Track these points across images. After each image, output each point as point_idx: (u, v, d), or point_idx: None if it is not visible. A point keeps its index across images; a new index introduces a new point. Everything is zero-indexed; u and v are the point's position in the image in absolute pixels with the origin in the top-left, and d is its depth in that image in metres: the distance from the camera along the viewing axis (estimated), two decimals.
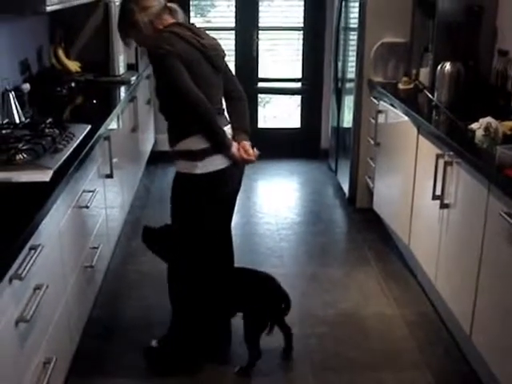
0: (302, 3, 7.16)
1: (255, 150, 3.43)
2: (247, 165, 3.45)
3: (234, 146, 3.34)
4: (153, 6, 3.33)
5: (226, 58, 3.56)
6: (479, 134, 3.54)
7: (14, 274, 2.31)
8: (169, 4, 3.41)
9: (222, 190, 3.41)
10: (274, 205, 6.04)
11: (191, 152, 3.29)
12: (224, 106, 3.52)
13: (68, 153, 3.35)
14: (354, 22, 5.71)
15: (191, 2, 7.16)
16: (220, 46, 3.48)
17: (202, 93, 3.21)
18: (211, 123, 3.26)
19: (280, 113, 8.04)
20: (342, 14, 6.13)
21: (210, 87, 3.32)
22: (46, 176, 2.98)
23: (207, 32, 3.46)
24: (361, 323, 4.03)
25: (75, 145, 3.51)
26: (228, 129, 3.42)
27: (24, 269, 2.36)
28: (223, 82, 3.49)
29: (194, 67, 3.23)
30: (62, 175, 3.05)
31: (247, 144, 3.42)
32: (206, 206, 3.39)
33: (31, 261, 2.44)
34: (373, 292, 4.40)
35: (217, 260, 3.61)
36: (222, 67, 3.47)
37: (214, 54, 3.37)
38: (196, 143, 3.28)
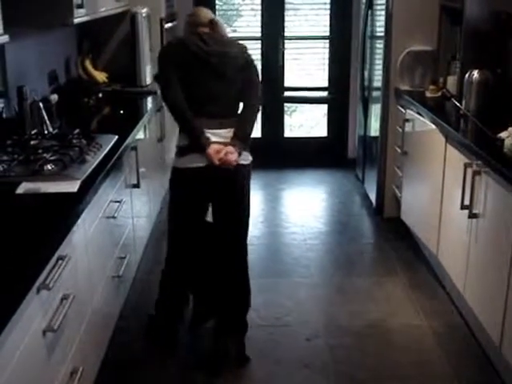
0: (328, 12, 7.16)
1: (229, 155, 3.52)
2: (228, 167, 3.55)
3: (212, 148, 3.51)
4: (191, 19, 3.75)
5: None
6: (508, 142, 3.51)
7: (42, 284, 2.31)
8: (214, 19, 3.72)
9: (197, 187, 3.63)
10: (301, 214, 6.02)
11: (177, 147, 3.68)
12: (229, 110, 3.68)
13: (95, 163, 3.37)
14: (380, 30, 5.70)
15: (217, 12, 7.16)
16: (235, 54, 3.68)
17: (192, 94, 3.57)
18: (184, 122, 3.60)
19: (306, 122, 8.02)
20: (368, 23, 6.13)
21: (203, 90, 3.61)
22: (73, 187, 2.99)
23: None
24: (388, 334, 4.00)
25: (102, 155, 3.53)
26: (225, 132, 3.59)
27: (52, 279, 2.36)
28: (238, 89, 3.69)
29: (185, 70, 3.57)
30: (89, 186, 3.06)
31: (227, 148, 3.54)
32: (182, 198, 3.70)
33: (59, 271, 2.44)
34: (400, 302, 4.36)
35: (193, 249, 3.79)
36: (229, 74, 3.64)
37: (216, 61, 3.59)
38: (181, 140, 3.65)
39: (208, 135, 3.54)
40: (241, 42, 3.86)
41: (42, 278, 2.30)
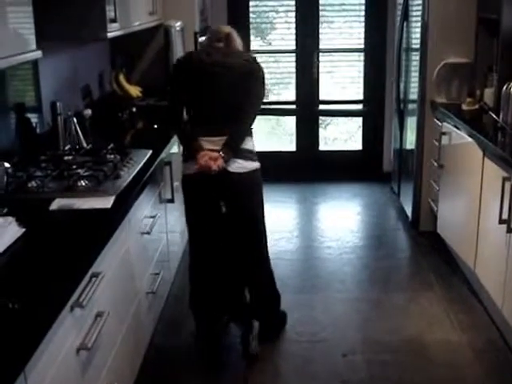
0: (363, 24, 7.13)
1: (210, 161, 3.57)
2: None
3: (200, 154, 3.62)
4: (210, 34, 4.06)
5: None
6: None
7: (76, 302, 2.31)
8: (230, 34, 3.87)
9: (195, 193, 3.78)
10: (336, 228, 5.97)
11: (182, 155, 3.88)
12: (227, 118, 3.72)
13: (129, 179, 3.37)
14: (415, 42, 5.65)
15: (251, 26, 7.18)
16: (234, 64, 3.76)
17: (193, 103, 3.79)
18: (177, 130, 3.93)
19: (341, 135, 7.99)
20: (404, 35, 6.08)
21: (203, 99, 3.77)
22: (107, 203, 3.00)
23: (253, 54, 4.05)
24: (425, 350, 3.94)
25: (136, 170, 3.54)
26: (221, 140, 3.65)
27: (85, 297, 2.36)
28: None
29: (188, 82, 3.77)
30: (123, 201, 3.07)
31: (209, 154, 3.60)
32: (187, 203, 3.86)
33: (93, 288, 2.44)
34: (437, 318, 4.30)
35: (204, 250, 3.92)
36: (227, 83, 3.73)
37: (216, 70, 3.73)
38: None
39: (202, 142, 3.66)
40: (249, 53, 4.15)
41: (75, 296, 2.30)
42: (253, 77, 3.78)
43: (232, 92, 3.73)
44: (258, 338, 3.85)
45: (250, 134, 3.84)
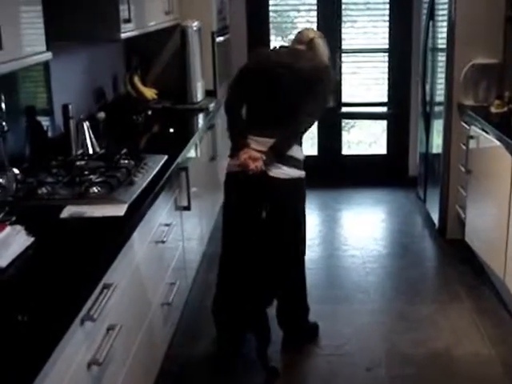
0: (387, 24, 7.05)
1: (249, 161, 3.59)
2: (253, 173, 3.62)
3: (242, 151, 3.65)
4: (296, 36, 4.00)
5: None
6: None
7: (86, 315, 2.25)
8: (315, 39, 3.88)
9: (235, 192, 3.80)
10: (360, 236, 5.88)
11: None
12: (282, 120, 3.70)
13: (143, 185, 3.32)
14: (442, 42, 5.56)
15: (271, 25, 7.13)
16: (301, 68, 3.72)
17: (253, 101, 3.82)
18: (230, 123, 3.91)
19: (365, 138, 7.92)
20: (430, 35, 5.98)
21: (258, 96, 3.80)
22: (120, 210, 2.95)
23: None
24: (453, 364, 3.84)
25: (151, 176, 3.48)
26: (265, 141, 3.66)
27: (96, 309, 2.30)
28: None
29: (252, 78, 3.83)
30: (137, 209, 3.02)
31: (250, 153, 3.62)
32: (226, 201, 3.89)
33: (104, 300, 2.37)
34: (465, 330, 4.19)
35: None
36: (288, 86, 3.69)
37: (280, 71, 3.71)
38: None
39: (250, 141, 3.70)
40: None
41: (86, 309, 2.24)
42: (320, 85, 3.75)
43: (291, 95, 3.71)
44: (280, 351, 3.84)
45: (300, 142, 3.85)
